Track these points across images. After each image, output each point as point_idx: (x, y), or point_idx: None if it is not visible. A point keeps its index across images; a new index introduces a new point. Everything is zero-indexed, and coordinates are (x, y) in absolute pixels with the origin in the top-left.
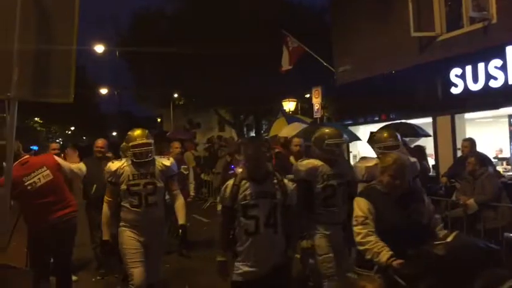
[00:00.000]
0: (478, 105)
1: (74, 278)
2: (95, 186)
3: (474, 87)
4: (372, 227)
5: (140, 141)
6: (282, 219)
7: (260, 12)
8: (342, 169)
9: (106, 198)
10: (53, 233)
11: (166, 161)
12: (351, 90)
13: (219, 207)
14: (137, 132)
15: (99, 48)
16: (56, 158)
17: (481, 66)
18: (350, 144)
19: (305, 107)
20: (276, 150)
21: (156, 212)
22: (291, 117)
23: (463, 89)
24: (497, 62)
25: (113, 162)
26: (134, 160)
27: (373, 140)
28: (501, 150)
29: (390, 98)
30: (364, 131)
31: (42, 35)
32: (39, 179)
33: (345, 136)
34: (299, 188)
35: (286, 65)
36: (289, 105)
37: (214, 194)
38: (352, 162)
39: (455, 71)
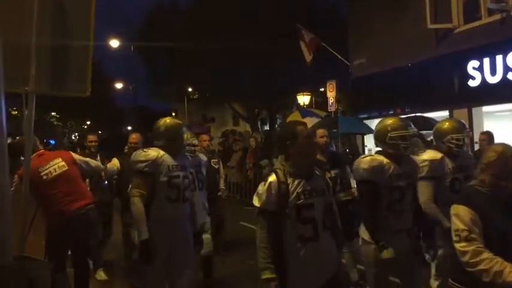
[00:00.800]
0: (496, 98)
1: (104, 276)
2: (130, 185)
3: (492, 79)
4: (480, 242)
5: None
6: (333, 221)
7: (275, 6)
8: (409, 167)
9: (137, 191)
10: (69, 225)
11: (203, 156)
12: (365, 83)
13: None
14: (186, 135)
15: (114, 43)
16: (73, 154)
17: (499, 58)
18: (365, 138)
19: (319, 101)
20: None
21: (188, 209)
22: (304, 111)
23: (481, 82)
24: None
25: (144, 151)
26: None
27: (439, 132)
28: None
29: (406, 91)
30: None
31: (59, 29)
32: (54, 169)
33: (413, 127)
34: (361, 190)
35: (307, 56)
36: (303, 99)
37: (229, 188)
38: None
39: (473, 64)
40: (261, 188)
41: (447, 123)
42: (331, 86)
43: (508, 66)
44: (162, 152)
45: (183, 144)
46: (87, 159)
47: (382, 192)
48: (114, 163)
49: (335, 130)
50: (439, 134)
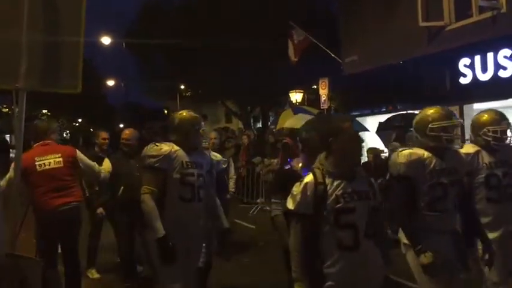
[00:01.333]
0: (487, 96)
1: (96, 275)
2: (122, 187)
3: (483, 77)
4: None
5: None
6: (378, 227)
7: (268, 3)
8: (454, 162)
9: (148, 188)
10: (53, 221)
11: (218, 156)
12: (358, 81)
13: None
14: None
15: (106, 40)
16: (78, 153)
17: (490, 56)
18: None
19: (312, 98)
20: (284, 141)
21: (204, 210)
22: (297, 108)
23: (472, 79)
24: (506, 51)
25: (157, 145)
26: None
27: (475, 124)
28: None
29: (397, 88)
30: (371, 122)
31: (50, 26)
32: (49, 162)
33: (457, 117)
34: (397, 187)
35: (292, 57)
36: (296, 97)
37: None
38: None
39: (464, 61)
40: (296, 188)
41: (485, 115)
42: (323, 83)
43: (498, 64)
44: (176, 147)
45: (200, 139)
46: (92, 164)
47: (421, 190)
48: (105, 168)
49: None
50: (475, 127)
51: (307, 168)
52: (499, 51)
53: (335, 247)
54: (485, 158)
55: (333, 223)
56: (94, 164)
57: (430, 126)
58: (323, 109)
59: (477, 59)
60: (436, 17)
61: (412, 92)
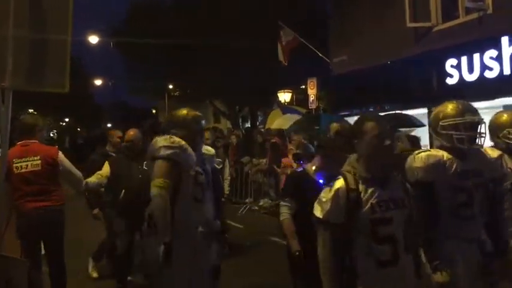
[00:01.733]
0: (473, 96)
1: (95, 275)
2: (123, 191)
3: (469, 77)
4: None
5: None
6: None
7: (257, 2)
8: (480, 163)
9: (164, 181)
10: (32, 224)
11: (211, 149)
12: (346, 81)
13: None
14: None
15: (94, 39)
16: (60, 155)
17: (476, 56)
18: None
19: (300, 98)
20: (272, 140)
21: (210, 212)
22: (285, 108)
23: (459, 80)
24: (492, 52)
25: (172, 137)
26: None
27: (495, 126)
28: None
29: (385, 88)
30: None
31: (36, 24)
32: (27, 165)
33: (474, 112)
34: (417, 193)
35: (283, 61)
36: (284, 96)
37: None
38: None
39: (451, 62)
40: (325, 194)
41: (505, 116)
42: (311, 83)
43: (485, 65)
44: (184, 142)
45: (202, 139)
46: (74, 171)
47: (443, 195)
48: (103, 173)
49: (317, 127)
50: (495, 128)
51: (322, 171)
52: (485, 52)
53: (372, 262)
54: (509, 162)
55: (369, 235)
56: (76, 172)
57: (440, 123)
58: (311, 109)
59: (464, 59)
60: (424, 18)
61: (400, 92)
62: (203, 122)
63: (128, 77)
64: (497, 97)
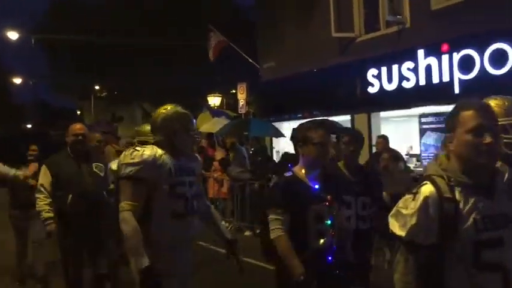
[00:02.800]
0: (392, 105)
1: None
2: (70, 196)
3: (389, 87)
4: None
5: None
6: None
7: (185, 5)
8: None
9: (128, 203)
10: None
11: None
12: (275, 86)
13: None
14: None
15: (13, 35)
16: None
17: (395, 67)
18: (274, 141)
19: (230, 103)
20: (200, 145)
21: (197, 225)
22: (215, 111)
23: (379, 89)
24: (409, 64)
25: (137, 150)
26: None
27: None
28: (411, 147)
29: (313, 95)
30: (288, 127)
31: None
32: None
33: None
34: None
35: (211, 57)
36: (213, 101)
37: None
38: (275, 159)
39: (372, 72)
40: (406, 204)
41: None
42: (241, 88)
43: (402, 75)
44: (160, 151)
45: (189, 142)
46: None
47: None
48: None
49: (246, 133)
50: None
51: (311, 175)
52: (403, 63)
53: None
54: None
55: (470, 262)
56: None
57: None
58: (241, 114)
59: (384, 70)
60: (348, 28)
61: (326, 99)
62: (189, 119)
63: (50, 75)
64: (413, 106)
